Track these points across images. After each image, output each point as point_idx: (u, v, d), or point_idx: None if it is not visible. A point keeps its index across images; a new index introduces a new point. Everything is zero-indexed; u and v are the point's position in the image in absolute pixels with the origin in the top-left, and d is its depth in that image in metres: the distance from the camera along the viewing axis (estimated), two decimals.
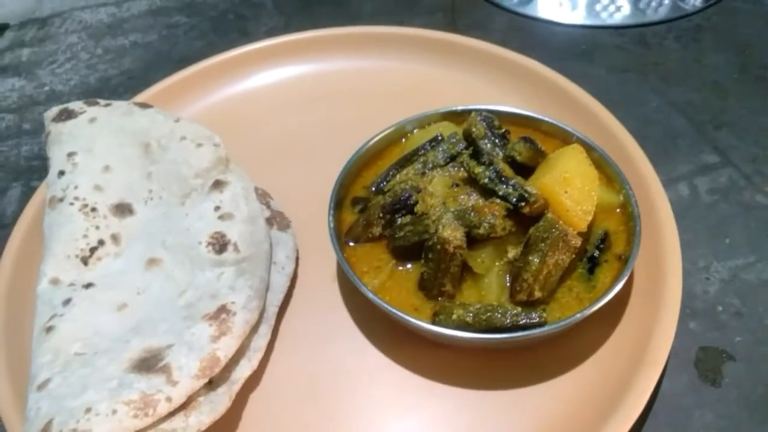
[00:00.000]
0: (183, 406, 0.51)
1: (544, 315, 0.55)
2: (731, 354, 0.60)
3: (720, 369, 0.59)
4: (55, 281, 0.62)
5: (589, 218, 0.59)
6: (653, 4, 0.98)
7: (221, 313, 0.58)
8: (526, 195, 0.58)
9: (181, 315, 0.58)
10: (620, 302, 0.60)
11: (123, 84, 0.96)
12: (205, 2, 1.10)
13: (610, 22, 0.97)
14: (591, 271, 0.59)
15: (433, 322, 0.56)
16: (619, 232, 0.62)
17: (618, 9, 0.98)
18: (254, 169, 0.73)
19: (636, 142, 0.72)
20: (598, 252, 0.60)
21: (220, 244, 0.63)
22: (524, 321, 0.54)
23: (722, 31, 0.93)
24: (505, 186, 0.59)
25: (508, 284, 0.58)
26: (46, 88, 0.97)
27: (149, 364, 0.53)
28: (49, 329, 0.56)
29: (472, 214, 0.58)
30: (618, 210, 0.63)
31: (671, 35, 0.93)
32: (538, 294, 0.56)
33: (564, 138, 0.69)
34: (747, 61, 0.88)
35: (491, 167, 0.60)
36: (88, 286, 0.61)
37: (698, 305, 0.63)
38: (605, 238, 0.61)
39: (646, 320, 0.58)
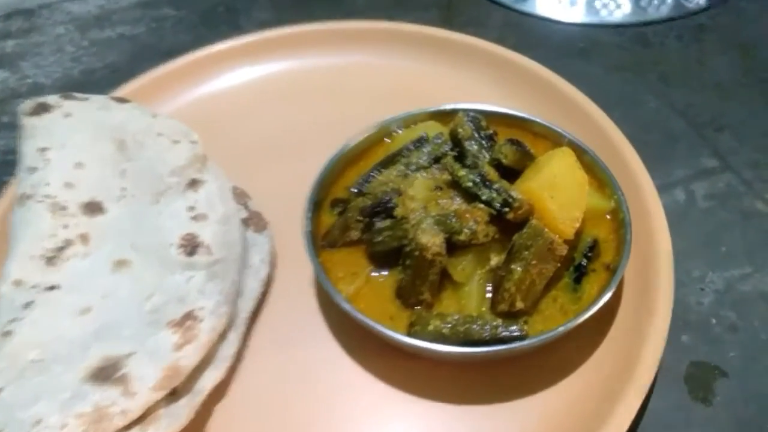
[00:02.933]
0: (140, 419, 0.49)
1: (525, 328, 0.52)
2: (724, 370, 0.57)
3: (711, 386, 0.56)
4: (18, 283, 0.59)
5: (577, 225, 0.56)
6: (655, 2, 0.94)
7: (187, 319, 0.55)
8: (511, 200, 0.55)
9: (146, 320, 0.56)
10: (608, 313, 0.57)
11: (106, 77, 0.94)
12: None
13: (609, 20, 0.94)
14: (577, 281, 0.57)
15: (409, 334, 0.54)
16: (608, 240, 0.59)
17: (618, 6, 0.95)
18: (233, 168, 0.70)
19: (631, 145, 0.69)
20: (586, 261, 0.57)
21: (191, 246, 0.60)
22: (504, 334, 0.51)
23: (726, 31, 0.90)
24: (488, 190, 0.56)
25: (489, 293, 0.56)
26: (29, 81, 0.95)
27: (107, 373, 0.51)
28: (6, 334, 0.54)
29: (453, 219, 0.55)
30: (608, 216, 0.60)
31: (673, 34, 0.90)
32: (520, 305, 0.53)
33: (555, 140, 0.66)
34: (751, 63, 0.85)
35: (475, 170, 0.58)
36: (52, 288, 0.59)
37: (691, 317, 0.60)
38: (594, 247, 0.58)
39: (634, 333, 0.56)
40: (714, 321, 0.60)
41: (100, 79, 0.93)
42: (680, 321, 0.59)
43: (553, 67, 0.79)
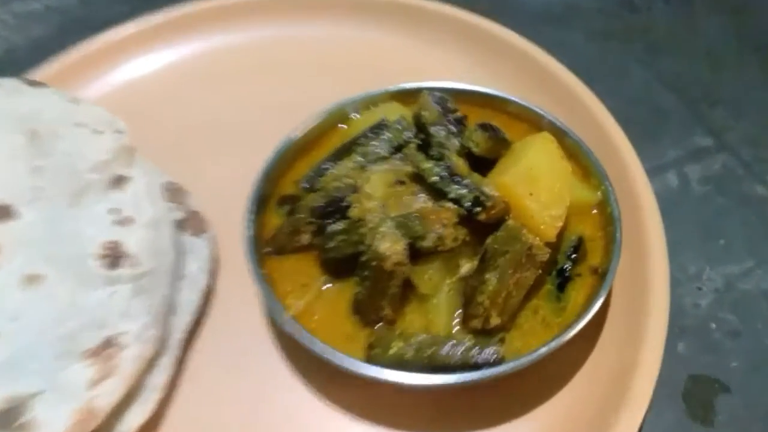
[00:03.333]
0: None
1: (501, 349, 0.45)
2: (725, 384, 0.50)
3: (712, 403, 0.49)
4: None
5: (560, 225, 0.48)
6: None
7: (107, 347, 0.47)
8: (483, 198, 0.47)
9: (58, 350, 0.48)
10: (596, 322, 0.50)
11: (30, 56, 0.82)
12: None
13: None
14: (561, 287, 0.49)
15: (368, 358, 0.46)
16: (595, 238, 0.52)
17: None
18: (168, 161, 0.62)
19: (617, 124, 0.61)
20: (570, 264, 0.50)
21: (113, 257, 0.52)
22: (477, 359, 0.44)
23: None
24: (457, 186, 0.48)
25: (460, 305, 0.48)
26: None
27: (8, 418, 0.43)
28: None
29: (416, 221, 0.47)
30: (595, 211, 0.53)
31: None
32: (495, 321, 0.46)
33: (533, 121, 0.59)
34: (745, 29, 0.77)
35: (442, 162, 0.49)
36: None
37: (688, 322, 0.54)
38: (579, 246, 0.51)
39: (626, 345, 0.49)
40: (713, 325, 0.53)
41: (22, 58, 0.82)
42: (676, 327, 0.53)
43: (529, 35, 0.71)
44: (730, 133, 0.66)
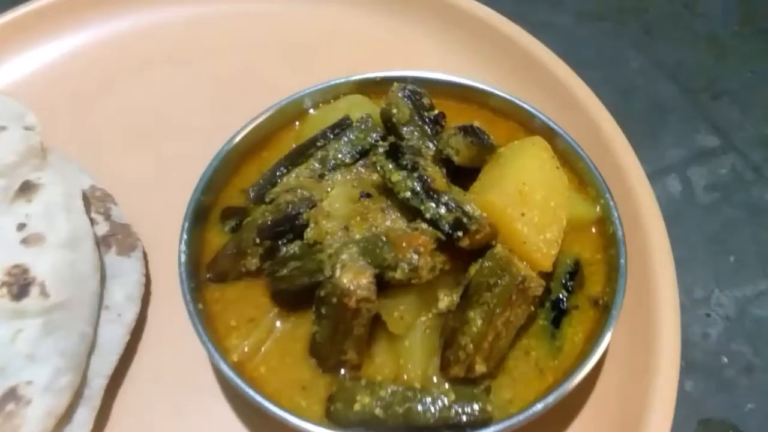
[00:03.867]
0: None
1: (489, 407, 0.37)
2: (741, 430, 0.44)
3: None
4: None
5: (556, 252, 0.41)
6: None
7: (7, 401, 0.40)
8: (466, 220, 0.39)
9: None
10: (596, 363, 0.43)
11: None
12: None
13: None
14: (556, 322, 0.42)
15: (328, 414, 0.38)
16: (595, 261, 0.44)
17: None
18: (91, 161, 0.53)
19: (614, 120, 0.54)
20: (566, 294, 0.42)
21: (19, 285, 0.44)
22: (459, 418, 0.37)
23: None
24: (434, 204, 0.40)
25: (438, 348, 0.40)
26: None
27: None
28: None
29: (385, 247, 0.39)
30: (593, 229, 0.45)
31: None
32: (481, 368, 0.39)
33: (520, 119, 0.51)
34: (749, 9, 0.70)
35: (415, 173, 0.41)
36: None
37: (697, 356, 0.47)
38: (576, 273, 0.43)
39: (632, 389, 0.42)
40: (725, 359, 0.47)
41: None
42: (683, 361, 0.46)
43: (514, 14, 0.63)
44: (737, 131, 0.60)
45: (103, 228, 0.50)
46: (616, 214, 0.45)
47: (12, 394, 0.39)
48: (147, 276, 0.49)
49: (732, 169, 0.57)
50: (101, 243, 0.49)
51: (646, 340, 0.43)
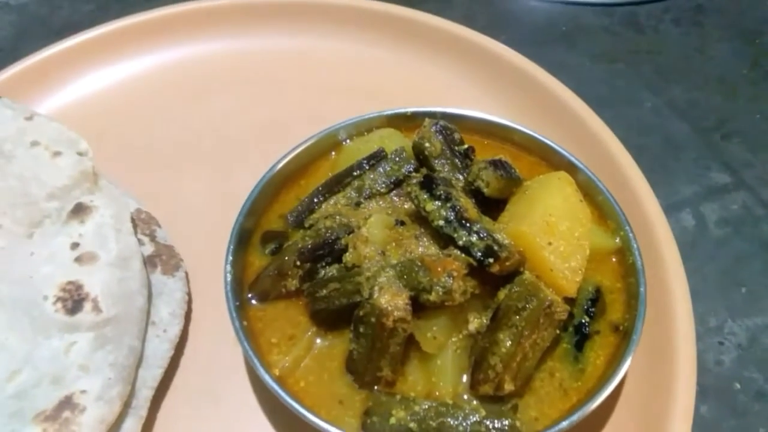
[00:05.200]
0: None
1: (518, 423, 0.40)
2: None
3: None
4: None
5: (579, 279, 0.43)
6: None
7: (64, 409, 0.42)
8: (496, 248, 0.42)
9: (8, 410, 0.42)
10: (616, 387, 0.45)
11: None
12: None
13: None
14: (579, 346, 0.44)
15: (364, 427, 0.40)
16: (615, 290, 0.47)
17: None
18: (137, 185, 0.57)
19: (630, 156, 0.57)
20: (588, 319, 0.45)
21: (73, 300, 0.46)
22: None
23: (728, 14, 0.79)
24: (466, 233, 0.43)
25: (468, 367, 0.43)
26: None
27: None
28: None
29: (420, 272, 0.42)
30: (614, 259, 0.48)
31: (668, 17, 0.78)
32: (509, 387, 0.41)
33: (542, 153, 0.54)
34: (757, 54, 0.74)
35: (449, 203, 0.44)
36: None
37: (710, 381, 0.49)
38: (597, 299, 0.46)
39: (650, 410, 0.44)
40: (738, 386, 0.49)
41: None
42: (698, 386, 0.48)
43: (532, 54, 0.67)
44: (747, 169, 0.63)
45: (148, 249, 0.53)
46: (635, 245, 0.47)
47: (68, 402, 0.42)
48: (189, 294, 0.52)
49: (743, 205, 0.60)
50: (147, 263, 0.52)
51: (663, 364, 0.45)
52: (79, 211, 0.51)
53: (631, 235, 0.48)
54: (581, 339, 0.45)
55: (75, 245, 0.49)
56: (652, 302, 0.46)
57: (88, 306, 0.46)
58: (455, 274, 0.42)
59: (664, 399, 0.43)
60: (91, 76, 0.66)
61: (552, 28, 0.77)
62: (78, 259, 0.48)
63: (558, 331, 0.43)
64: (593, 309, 0.46)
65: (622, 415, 0.45)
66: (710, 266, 0.56)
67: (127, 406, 0.45)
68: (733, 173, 0.62)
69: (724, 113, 0.67)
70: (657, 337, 0.46)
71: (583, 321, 0.45)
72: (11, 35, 0.78)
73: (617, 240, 0.49)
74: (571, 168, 0.52)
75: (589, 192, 0.51)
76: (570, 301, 0.44)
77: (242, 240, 0.49)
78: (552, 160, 0.53)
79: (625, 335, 0.44)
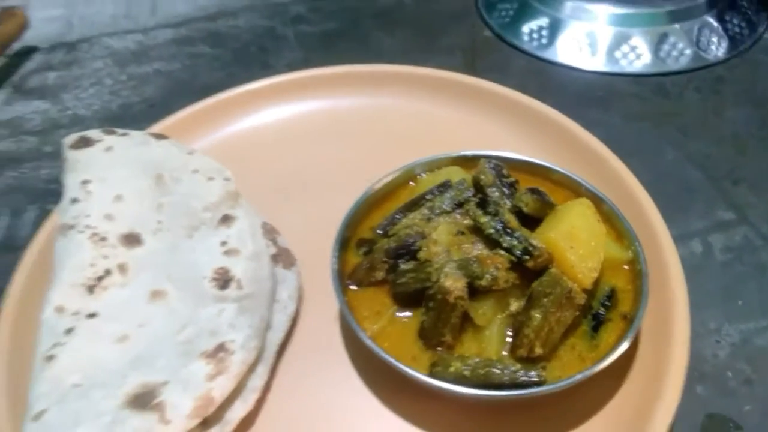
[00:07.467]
0: None
1: (544, 374, 0.54)
2: (739, 423, 0.58)
3: None
4: (60, 309, 0.62)
5: (595, 275, 0.58)
6: (674, 53, 0.97)
7: (219, 351, 0.57)
8: (531, 249, 0.57)
9: (179, 351, 0.58)
10: (625, 362, 0.58)
11: (143, 112, 0.98)
12: (228, 34, 1.12)
13: (629, 69, 0.96)
14: (595, 329, 0.58)
15: (430, 374, 0.55)
16: (626, 290, 0.61)
17: (638, 57, 0.97)
18: (263, 205, 0.73)
19: (648, 195, 0.71)
20: (604, 310, 0.59)
21: (223, 280, 0.63)
22: (523, 379, 0.53)
23: (744, 84, 0.92)
24: (509, 238, 0.58)
25: (509, 338, 0.57)
26: (69, 112, 0.99)
27: (144, 400, 0.53)
28: (49, 358, 0.57)
29: (474, 264, 0.57)
30: (626, 267, 0.62)
31: (691, 86, 0.92)
32: (538, 350, 0.55)
33: (574, 189, 0.68)
34: (767, 117, 0.87)
35: (497, 218, 0.60)
36: (92, 315, 0.61)
37: (707, 369, 0.62)
38: (611, 296, 0.60)
39: (650, 383, 0.57)
40: (729, 374, 0.61)
41: (137, 113, 0.97)
42: (696, 372, 0.60)
43: (573, 114, 0.81)
44: (751, 210, 0.75)
45: (272, 250, 0.70)
46: (643, 257, 0.61)
47: (222, 348, 0.58)
48: (300, 285, 0.69)
49: (744, 237, 0.72)
50: (272, 259, 0.69)
51: (664, 345, 0.58)
52: (226, 220, 0.69)
53: (640, 249, 0.62)
54: (597, 324, 0.58)
55: (223, 243, 0.66)
56: (654, 297, 0.59)
57: (233, 285, 0.62)
58: (500, 266, 0.57)
59: (663, 367, 0.56)
60: (230, 125, 0.86)
61: (590, 93, 0.93)
62: (226, 253, 0.65)
63: (578, 313, 0.57)
64: (608, 303, 0.59)
65: (631, 383, 0.58)
66: (713, 283, 0.68)
67: (259, 356, 0.61)
68: (738, 211, 0.75)
69: (735, 164, 0.80)
70: (658, 323, 0.59)
71: (600, 312, 0.59)
72: (163, 93, 1.00)
73: (629, 253, 0.63)
74: (596, 199, 0.66)
75: (611, 218, 0.65)
76: (589, 294, 0.59)
77: (342, 245, 0.66)
78: (581, 193, 0.67)
79: (630, 321, 0.58)
